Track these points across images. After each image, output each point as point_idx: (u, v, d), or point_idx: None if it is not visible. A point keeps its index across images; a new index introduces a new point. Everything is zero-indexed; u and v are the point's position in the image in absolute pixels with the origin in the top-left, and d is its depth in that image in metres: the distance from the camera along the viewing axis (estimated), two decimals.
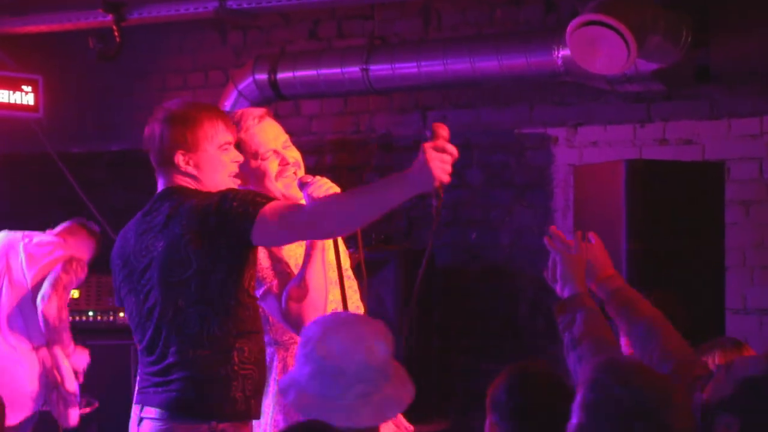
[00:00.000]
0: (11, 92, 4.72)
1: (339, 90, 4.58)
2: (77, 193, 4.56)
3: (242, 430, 2.26)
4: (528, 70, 4.26)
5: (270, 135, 2.59)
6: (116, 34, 4.58)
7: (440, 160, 2.11)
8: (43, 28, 4.94)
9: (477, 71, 4.30)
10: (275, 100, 4.58)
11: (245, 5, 4.38)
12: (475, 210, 4.59)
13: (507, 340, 4.42)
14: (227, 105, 4.56)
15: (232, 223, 2.18)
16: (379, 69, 4.34)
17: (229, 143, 2.45)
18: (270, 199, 2.31)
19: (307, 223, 2.27)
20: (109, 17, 4.57)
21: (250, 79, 4.50)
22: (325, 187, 2.40)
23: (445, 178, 2.14)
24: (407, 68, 4.32)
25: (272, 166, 2.50)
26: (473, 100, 4.65)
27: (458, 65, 4.28)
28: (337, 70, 4.40)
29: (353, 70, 4.34)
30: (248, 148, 2.52)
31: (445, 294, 4.42)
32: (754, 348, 2.81)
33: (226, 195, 2.24)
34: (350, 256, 3.03)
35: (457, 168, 4.83)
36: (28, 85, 4.81)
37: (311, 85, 4.50)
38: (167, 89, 5.24)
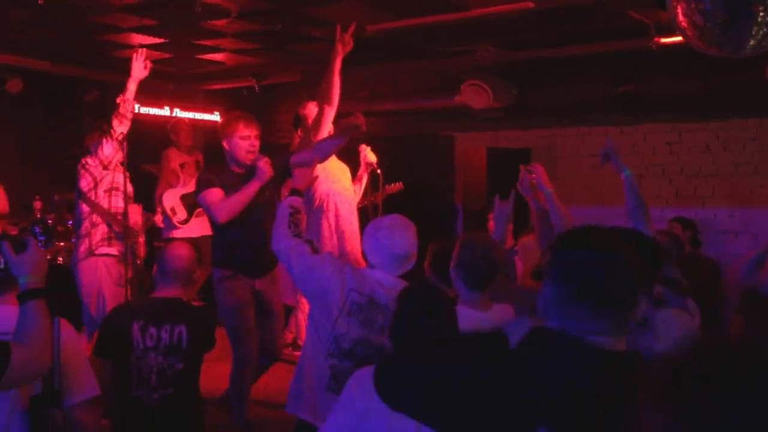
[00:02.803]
0: (209, 115, 8.62)
1: None
2: None
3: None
4: (442, 105, 7.87)
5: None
6: (256, 89, 8.65)
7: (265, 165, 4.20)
8: (219, 86, 8.87)
9: (416, 110, 8.40)
10: None
11: None
12: None
13: None
14: None
15: None
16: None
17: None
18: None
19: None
20: (253, 81, 8.57)
21: None
22: None
23: (269, 174, 4.25)
24: (386, 106, 8.42)
25: None
26: (419, 121, 8.39)
27: (407, 106, 8.19)
28: None
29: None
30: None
31: None
32: None
33: None
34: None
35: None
36: (216, 112, 8.71)
37: None
38: (277, 121, 9.59)
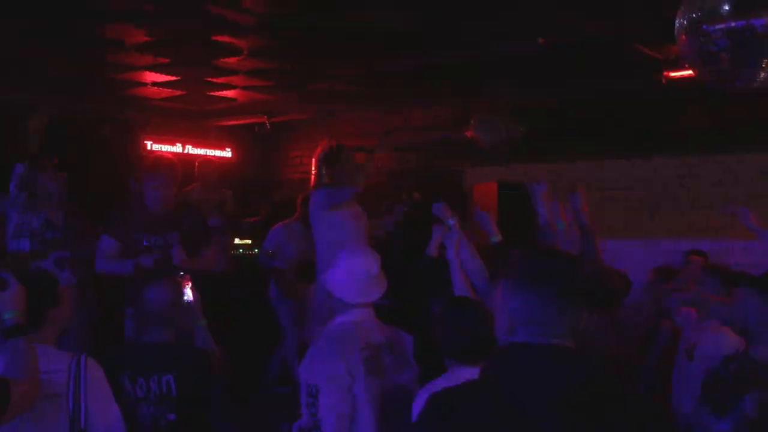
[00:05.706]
0: (221, 151, 8.88)
1: None
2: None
3: None
4: (454, 140, 8.03)
5: None
6: (267, 125, 9.00)
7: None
8: (231, 122, 9.15)
9: (435, 141, 8.48)
10: None
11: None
12: None
13: None
14: None
15: None
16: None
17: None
18: None
19: None
20: (264, 117, 8.85)
21: None
22: None
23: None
24: (397, 140, 8.55)
25: None
26: (430, 156, 8.59)
27: (418, 141, 8.35)
28: None
29: None
30: None
31: None
32: None
33: None
34: None
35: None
36: (228, 148, 8.96)
37: None
38: (289, 157, 9.68)
